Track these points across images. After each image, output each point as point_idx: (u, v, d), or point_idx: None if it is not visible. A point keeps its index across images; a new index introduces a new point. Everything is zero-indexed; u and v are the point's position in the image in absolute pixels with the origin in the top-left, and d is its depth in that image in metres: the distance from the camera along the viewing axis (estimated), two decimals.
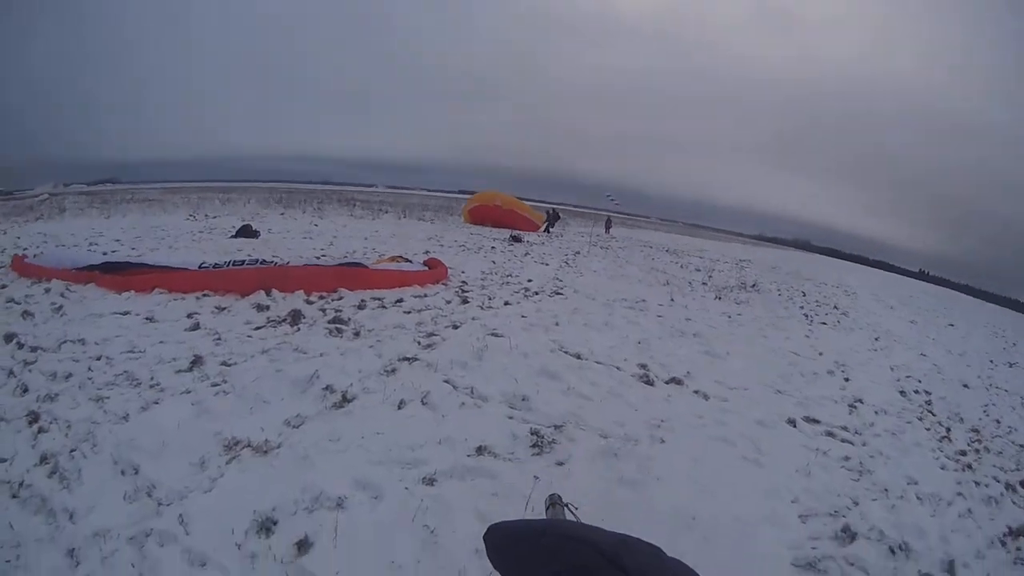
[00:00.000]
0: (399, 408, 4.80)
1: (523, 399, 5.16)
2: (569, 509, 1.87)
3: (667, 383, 6.06)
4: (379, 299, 8.21)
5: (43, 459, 3.71)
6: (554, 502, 1.88)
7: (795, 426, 5.43)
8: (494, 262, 13.84)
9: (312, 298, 7.94)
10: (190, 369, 5.23)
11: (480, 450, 4.26)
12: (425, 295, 8.90)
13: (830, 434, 5.38)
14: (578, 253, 17.85)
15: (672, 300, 10.81)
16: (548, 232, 26.77)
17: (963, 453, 5.58)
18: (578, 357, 6.49)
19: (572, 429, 4.70)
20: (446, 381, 5.37)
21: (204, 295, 7.64)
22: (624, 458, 4.34)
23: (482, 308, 8.48)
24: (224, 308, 7.21)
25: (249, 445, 4.04)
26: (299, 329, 6.65)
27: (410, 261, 10.95)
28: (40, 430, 4.04)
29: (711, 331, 8.64)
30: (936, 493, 4.54)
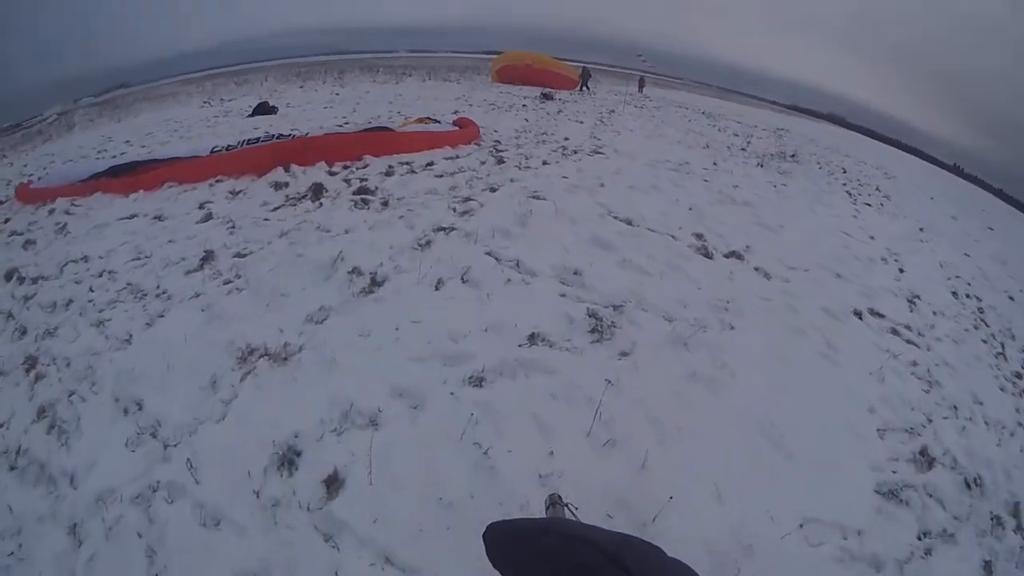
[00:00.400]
0: (436, 288, 4.11)
1: (575, 273, 4.43)
2: (569, 508, 1.89)
3: (726, 257, 5.36)
4: (408, 164, 7.33)
5: (41, 413, 3.34)
6: (554, 502, 1.94)
7: (862, 319, 4.85)
8: (527, 120, 12.54)
9: (335, 169, 7.12)
10: (200, 267, 4.63)
11: (533, 338, 3.61)
12: (457, 156, 7.96)
13: (895, 332, 4.80)
14: (612, 111, 16.22)
15: (715, 164, 9.70)
16: (584, 90, 25.09)
17: (1018, 376, 4.97)
18: (629, 223, 5.64)
19: (633, 310, 4.03)
20: (488, 253, 4.62)
21: (217, 181, 6.92)
22: (694, 347, 3.72)
23: (519, 168, 7.47)
24: (239, 192, 6.51)
25: (266, 353, 3.45)
26: (321, 204, 5.93)
27: (439, 122, 9.92)
28: (37, 377, 3.66)
29: (760, 200, 7.64)
30: (1000, 420, 4.06)
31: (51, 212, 6.85)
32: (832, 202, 8.97)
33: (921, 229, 9.23)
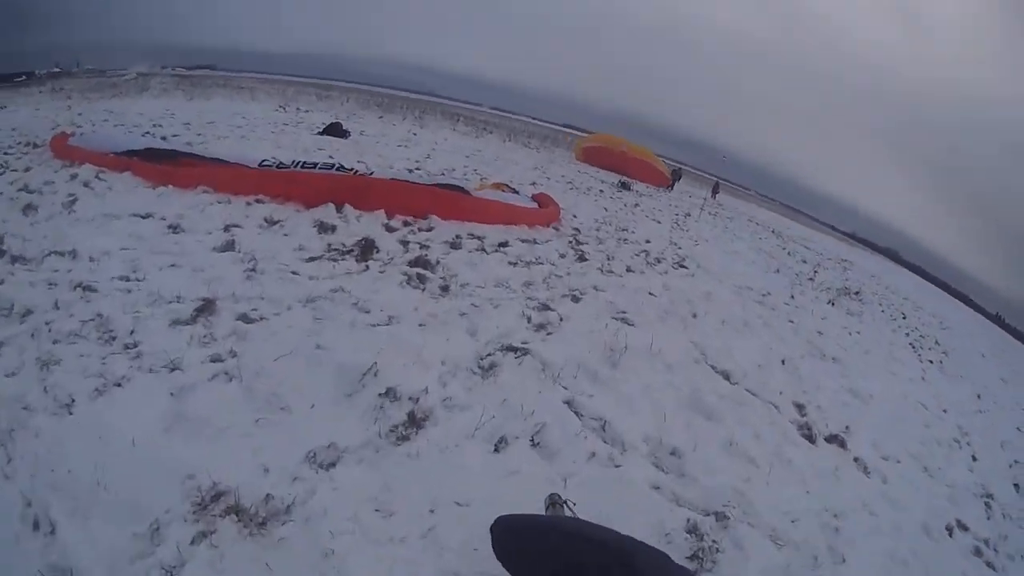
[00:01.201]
0: (496, 450, 2.96)
1: (672, 453, 3.44)
2: (568, 506, 1.92)
3: (828, 441, 4.63)
4: (478, 238, 6.36)
5: None
6: (554, 501, 1.95)
7: (952, 536, 4.14)
8: (606, 209, 12.20)
9: (394, 223, 6.18)
10: (192, 320, 3.54)
11: None
12: (535, 241, 7.00)
13: (978, 551, 4.06)
14: (688, 215, 16.19)
15: (793, 298, 9.27)
16: (672, 188, 25.17)
17: None
18: (727, 378, 4.79)
19: (738, 522, 3.06)
20: (568, 403, 3.53)
21: (258, 200, 6.00)
22: None
23: (602, 272, 6.68)
24: (276, 222, 5.54)
25: (236, 508, 2.26)
26: (367, 268, 4.91)
27: (516, 192, 9.03)
28: None
29: (844, 354, 7.13)
30: None
31: (73, 177, 6.22)
32: (902, 358, 8.73)
33: (979, 396, 8.85)
